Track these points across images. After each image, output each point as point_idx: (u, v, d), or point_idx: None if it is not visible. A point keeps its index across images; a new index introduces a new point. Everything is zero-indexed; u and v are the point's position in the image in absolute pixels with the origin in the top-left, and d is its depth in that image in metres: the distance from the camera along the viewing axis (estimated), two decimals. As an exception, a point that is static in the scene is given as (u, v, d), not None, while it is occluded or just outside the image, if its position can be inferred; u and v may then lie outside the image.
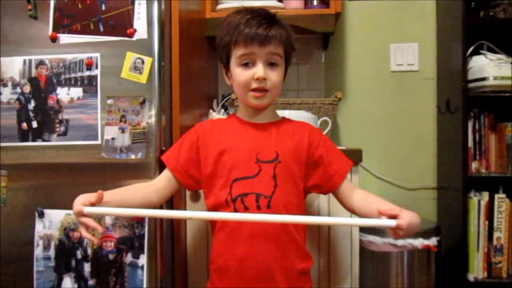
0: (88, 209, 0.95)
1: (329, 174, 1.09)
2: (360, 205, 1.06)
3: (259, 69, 1.02)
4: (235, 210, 1.02)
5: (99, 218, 1.21)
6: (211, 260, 1.08)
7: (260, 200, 1.02)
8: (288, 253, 1.04)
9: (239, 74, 1.04)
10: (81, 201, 0.96)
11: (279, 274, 1.02)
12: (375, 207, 0.98)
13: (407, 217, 0.92)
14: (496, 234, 1.73)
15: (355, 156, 1.31)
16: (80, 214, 0.95)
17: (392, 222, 0.93)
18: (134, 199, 1.05)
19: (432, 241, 1.65)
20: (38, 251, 1.26)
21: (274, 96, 1.07)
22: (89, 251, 1.24)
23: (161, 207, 1.21)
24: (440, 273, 1.74)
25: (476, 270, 1.72)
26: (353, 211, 1.10)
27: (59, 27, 1.28)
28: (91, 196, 0.97)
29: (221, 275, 1.04)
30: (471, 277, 1.72)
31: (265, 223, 1.01)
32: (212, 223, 1.10)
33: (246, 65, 1.03)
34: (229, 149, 1.06)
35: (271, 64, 1.04)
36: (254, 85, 1.03)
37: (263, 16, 1.03)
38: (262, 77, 1.02)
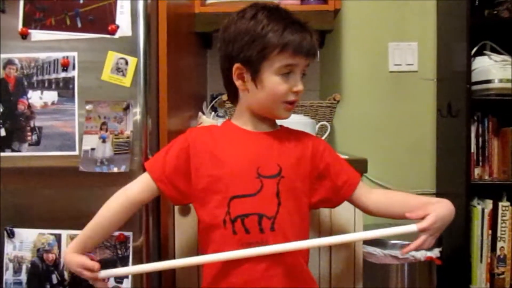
0: (105, 273, 0.93)
1: (338, 186, 1.00)
2: (387, 206, 1.00)
3: (299, 83, 0.94)
4: (234, 233, 0.91)
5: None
6: (205, 287, 0.96)
7: (263, 222, 0.91)
8: (293, 279, 0.94)
9: (278, 84, 0.92)
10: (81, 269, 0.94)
11: None
12: (404, 204, 0.95)
13: (432, 218, 0.88)
14: (499, 244, 1.66)
15: (360, 166, 1.22)
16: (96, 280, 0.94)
17: (412, 227, 0.86)
18: (114, 226, 0.98)
19: (435, 253, 1.58)
20: (7, 275, 1.13)
21: None
22: (66, 275, 1.11)
23: (146, 220, 1.12)
24: (442, 285, 1.67)
25: (479, 282, 1.65)
26: (376, 214, 1.02)
27: (30, 21, 1.14)
28: (85, 261, 0.94)
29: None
30: (473, 289, 1.65)
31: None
32: (204, 245, 0.97)
33: (286, 74, 0.92)
34: (226, 161, 0.94)
35: (301, 75, 0.96)
36: (292, 97, 0.94)
37: (301, 23, 0.94)
38: (301, 91, 0.94)
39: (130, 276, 1.10)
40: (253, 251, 0.88)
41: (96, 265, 0.93)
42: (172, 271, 1.24)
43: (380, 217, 1.02)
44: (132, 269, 0.97)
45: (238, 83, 0.95)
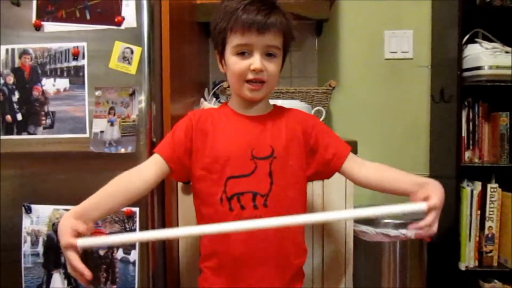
0: (82, 242, 0.82)
1: (327, 159, 1.05)
2: (377, 182, 1.01)
3: (256, 60, 0.95)
4: (231, 209, 0.98)
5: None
6: (203, 258, 1.04)
7: (256, 199, 0.98)
8: (286, 250, 1.01)
9: (234, 64, 0.97)
10: (69, 232, 0.83)
11: (275, 271, 1.00)
12: (395, 182, 0.97)
13: (438, 195, 0.86)
14: (487, 224, 1.73)
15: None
16: (72, 247, 0.82)
17: (422, 206, 0.83)
18: (122, 201, 0.94)
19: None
20: (26, 247, 1.23)
21: (270, 88, 1.02)
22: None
23: (151, 197, 1.21)
24: (432, 262, 1.75)
25: (468, 259, 1.73)
26: (368, 187, 1.04)
27: (43, 14, 1.22)
28: (78, 225, 0.84)
29: (215, 274, 1.01)
30: (462, 266, 1.72)
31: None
32: (202, 219, 1.04)
33: (242, 54, 0.97)
34: (223, 143, 1.01)
35: (268, 55, 0.97)
36: (250, 76, 0.97)
37: (263, 2, 0.95)
38: (259, 69, 0.96)
39: (137, 249, 1.20)
40: (251, 224, 0.89)
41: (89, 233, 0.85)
42: (177, 273, 1.32)
43: (371, 190, 1.04)
44: (111, 238, 0.92)
45: (219, 66, 1.04)
